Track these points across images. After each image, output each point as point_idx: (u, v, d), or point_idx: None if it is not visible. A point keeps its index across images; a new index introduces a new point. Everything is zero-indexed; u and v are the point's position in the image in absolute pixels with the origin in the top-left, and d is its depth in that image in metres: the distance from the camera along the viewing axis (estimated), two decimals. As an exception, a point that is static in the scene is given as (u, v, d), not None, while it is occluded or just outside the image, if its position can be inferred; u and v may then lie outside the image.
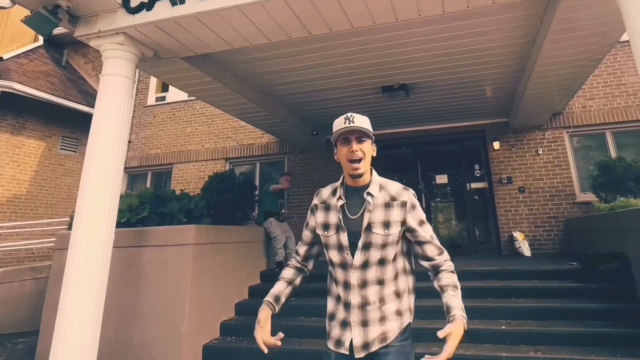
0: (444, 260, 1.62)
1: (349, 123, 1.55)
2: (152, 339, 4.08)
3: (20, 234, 7.72)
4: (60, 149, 8.87)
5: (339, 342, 1.55)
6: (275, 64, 5.18)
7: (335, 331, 1.59)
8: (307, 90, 6.02)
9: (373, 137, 1.63)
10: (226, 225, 5.78)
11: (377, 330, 1.51)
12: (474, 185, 7.52)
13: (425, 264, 1.65)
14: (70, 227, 5.64)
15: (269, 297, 1.65)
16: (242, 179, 6.55)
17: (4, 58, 8.31)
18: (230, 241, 5.12)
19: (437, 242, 1.63)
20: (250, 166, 8.88)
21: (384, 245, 1.54)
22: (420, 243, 1.61)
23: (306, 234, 1.76)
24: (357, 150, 1.55)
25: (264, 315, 1.60)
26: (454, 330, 1.38)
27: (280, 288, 1.69)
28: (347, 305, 1.56)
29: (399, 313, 1.55)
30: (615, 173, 5.62)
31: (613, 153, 6.84)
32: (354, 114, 1.57)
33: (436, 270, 1.62)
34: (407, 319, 1.58)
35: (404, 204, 1.58)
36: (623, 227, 4.40)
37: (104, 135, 3.55)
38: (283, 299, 1.69)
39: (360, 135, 1.57)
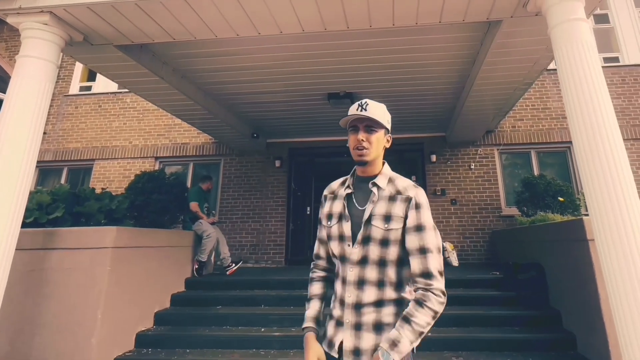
0: (421, 287, 1.37)
1: (361, 110, 1.47)
2: (55, 352, 3.75)
3: None
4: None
5: (331, 343, 1.46)
6: (218, 62, 5.10)
7: (330, 330, 1.49)
8: (251, 91, 5.98)
9: (388, 127, 1.55)
10: (152, 228, 5.52)
11: (371, 338, 1.38)
12: (410, 195, 7.88)
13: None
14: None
15: (309, 323, 1.53)
16: (173, 179, 6.30)
17: None
18: (154, 245, 4.89)
19: (430, 261, 1.38)
20: (183, 167, 8.57)
21: (383, 242, 1.41)
22: (409, 253, 1.42)
23: (321, 232, 1.62)
24: (363, 140, 1.47)
25: (311, 338, 1.48)
26: None
27: (316, 308, 1.56)
28: (342, 303, 1.45)
29: (394, 319, 1.40)
30: (536, 189, 6.20)
31: (536, 171, 7.55)
32: (368, 101, 1.50)
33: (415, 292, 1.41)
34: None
35: (408, 199, 1.45)
36: (541, 239, 4.86)
37: (15, 123, 3.25)
38: (321, 318, 1.57)
39: (369, 124, 1.49)
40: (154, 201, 5.94)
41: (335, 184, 1.65)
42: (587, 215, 3.60)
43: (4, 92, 8.49)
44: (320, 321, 1.54)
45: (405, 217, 1.43)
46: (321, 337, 1.51)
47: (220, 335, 4.28)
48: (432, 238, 1.41)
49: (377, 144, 1.50)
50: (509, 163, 7.94)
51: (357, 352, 1.38)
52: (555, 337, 3.95)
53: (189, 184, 7.93)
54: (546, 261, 4.64)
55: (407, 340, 1.28)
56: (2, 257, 3.05)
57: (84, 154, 8.70)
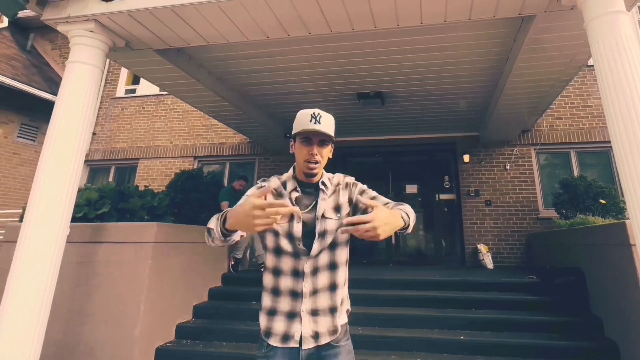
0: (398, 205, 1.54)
1: (315, 123, 1.51)
2: (102, 341, 3.92)
3: (-34, 225, 7.30)
4: (18, 136, 8.49)
5: (286, 337, 1.49)
6: (251, 64, 5.15)
7: (279, 326, 1.52)
8: (282, 92, 6.01)
9: (334, 141, 1.60)
10: (190, 225, 5.67)
11: (327, 322, 1.51)
12: (442, 196, 7.69)
13: None
14: (22, 219, 5.39)
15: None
16: (210, 178, 6.45)
17: (-38, 38, 7.92)
18: (192, 241, 5.01)
19: (383, 199, 1.60)
20: (219, 166, 8.76)
21: (337, 230, 1.55)
22: (366, 205, 1.45)
23: None
24: (316, 154, 1.53)
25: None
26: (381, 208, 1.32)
27: None
28: (294, 295, 1.51)
29: (342, 303, 1.57)
30: (576, 191, 5.88)
31: (576, 172, 7.17)
32: (321, 113, 1.54)
33: None
34: (345, 316, 1.62)
35: (346, 185, 1.64)
36: (580, 243, 4.60)
37: (65, 124, 3.41)
38: None
39: (323, 139, 1.55)
40: (192, 199, 6.10)
41: (275, 183, 1.64)
42: (631, 219, 3.37)
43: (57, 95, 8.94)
44: None
45: (350, 198, 1.60)
46: (265, 334, 1.54)
47: (254, 330, 4.33)
48: (377, 193, 1.63)
49: (326, 157, 1.58)
50: (547, 163, 7.58)
51: (316, 335, 1.48)
52: (596, 346, 3.72)
53: (225, 183, 8.08)
54: (586, 266, 4.39)
55: (407, 213, 1.46)
56: (55, 249, 3.21)
57: (129, 154, 9.07)
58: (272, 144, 8.03)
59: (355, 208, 1.61)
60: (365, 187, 1.65)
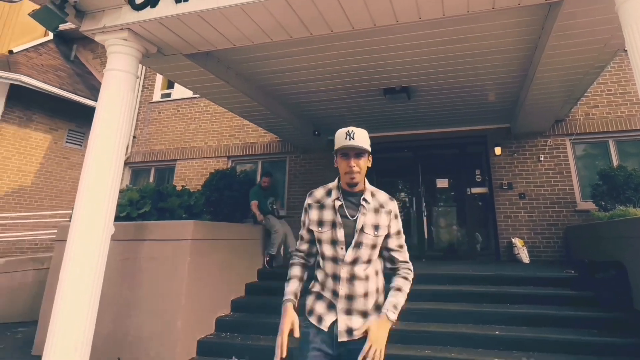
0: (404, 267, 1.81)
1: (350, 139, 1.71)
2: (148, 332, 4.09)
3: (24, 225, 7.78)
4: (66, 142, 8.93)
5: (320, 319, 1.74)
6: (276, 64, 5.19)
7: (319, 308, 1.76)
8: (308, 90, 6.02)
9: (370, 151, 1.78)
10: (225, 222, 5.79)
11: (359, 321, 1.70)
12: (474, 190, 7.49)
13: (389, 266, 1.86)
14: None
15: (290, 296, 1.80)
16: (243, 176, 6.55)
17: (14, 51, 8.39)
18: (228, 238, 5.13)
19: (406, 253, 1.84)
20: (252, 165, 8.90)
21: (373, 246, 1.74)
22: (390, 250, 1.81)
23: (304, 233, 1.90)
24: (354, 166, 1.73)
25: (290, 308, 1.76)
26: (372, 324, 1.66)
27: (295, 286, 1.84)
28: (335, 294, 1.73)
29: (377, 308, 1.74)
30: (615, 182, 5.57)
31: (615, 161, 6.78)
32: (354, 130, 1.73)
33: (394, 273, 1.83)
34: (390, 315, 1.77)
35: (389, 212, 1.80)
36: (621, 236, 4.36)
37: (105, 129, 3.57)
38: (299, 295, 1.86)
39: (358, 152, 1.74)
40: (227, 197, 6.23)
41: (318, 194, 1.87)
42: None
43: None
44: (298, 296, 1.82)
45: (389, 225, 1.79)
46: (305, 311, 1.81)
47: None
48: (404, 238, 1.85)
49: (364, 167, 1.77)
50: (584, 154, 7.21)
51: (350, 331, 1.69)
52: (642, 342, 3.53)
53: (257, 181, 8.20)
54: (628, 259, 4.16)
55: (401, 303, 1.71)
56: (101, 246, 3.37)
57: (167, 155, 9.37)
58: (302, 141, 8.06)
59: (387, 232, 1.80)
60: (400, 224, 1.84)
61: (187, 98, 9.63)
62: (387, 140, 7.99)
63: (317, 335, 1.72)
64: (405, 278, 1.77)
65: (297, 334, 1.70)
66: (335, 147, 1.77)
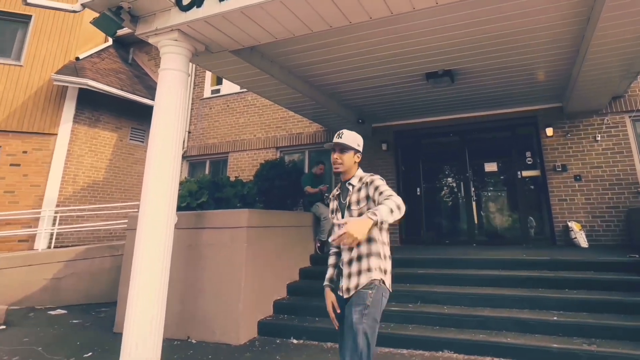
0: (386, 198, 1.96)
1: (338, 138, 2.20)
2: (212, 313, 4.31)
3: (99, 216, 8.43)
4: (130, 139, 9.50)
5: (338, 287, 2.17)
6: (317, 54, 5.16)
7: (341, 280, 2.15)
8: (349, 79, 5.94)
9: (356, 149, 2.21)
10: (278, 210, 5.93)
11: (354, 280, 2.04)
12: (525, 173, 7.09)
13: None
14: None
15: (326, 282, 2.31)
16: (292, 166, 6.65)
17: (80, 58, 8.96)
18: (281, 225, 5.25)
19: (386, 194, 1.97)
20: (299, 154, 8.99)
21: (359, 216, 2.04)
22: (378, 202, 2.01)
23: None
24: (337, 158, 2.21)
25: (328, 291, 2.26)
26: (352, 220, 1.80)
27: (330, 272, 2.33)
28: (343, 264, 2.14)
29: (369, 270, 2.03)
30: (686, 160, 5.05)
31: (684, 138, 6.14)
32: (344, 132, 2.21)
33: None
34: (376, 275, 2.02)
35: (366, 184, 2.12)
36: (694, 219, 3.97)
37: (163, 125, 3.71)
38: (334, 279, 2.31)
39: (341, 147, 2.20)
40: (277, 186, 6.36)
41: (335, 190, 2.35)
42: None
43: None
44: (334, 280, 2.28)
45: (368, 194, 2.09)
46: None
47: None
48: (385, 187, 2.04)
49: (348, 160, 2.19)
50: (647, 131, 6.58)
51: (348, 290, 2.06)
52: None
53: (306, 170, 8.29)
54: None
55: (381, 210, 1.81)
56: (166, 234, 3.55)
57: (220, 148, 9.69)
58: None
59: (372, 200, 2.07)
60: (379, 183, 2.08)
61: (235, 93, 9.86)
62: (431, 125, 7.74)
63: (340, 303, 2.16)
64: (385, 200, 1.92)
65: (338, 310, 2.15)
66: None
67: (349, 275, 2.07)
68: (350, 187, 2.19)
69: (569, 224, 6.27)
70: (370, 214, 1.79)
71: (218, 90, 10.34)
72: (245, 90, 9.42)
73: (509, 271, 4.54)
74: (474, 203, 7.39)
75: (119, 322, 4.71)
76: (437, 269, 4.86)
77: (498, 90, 6.38)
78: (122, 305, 4.70)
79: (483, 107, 7.23)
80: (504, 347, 3.50)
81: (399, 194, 7.45)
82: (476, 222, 7.32)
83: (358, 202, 2.12)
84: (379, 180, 2.10)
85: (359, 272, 2.04)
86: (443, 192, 7.99)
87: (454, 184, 7.87)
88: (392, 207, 1.84)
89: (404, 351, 3.76)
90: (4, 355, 3.99)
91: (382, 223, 1.81)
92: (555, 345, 3.39)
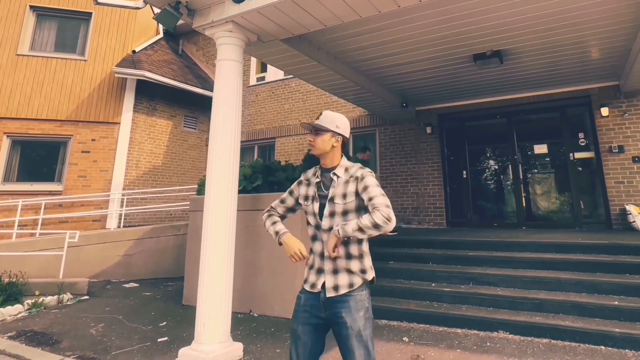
0: (374, 208, 1.77)
1: (316, 119, 1.96)
2: (270, 289, 4.49)
3: (160, 198, 8.90)
4: (184, 126, 9.85)
5: (313, 285, 1.88)
6: (363, 40, 5.07)
7: (312, 277, 1.92)
8: (394, 63, 5.81)
9: (335, 131, 1.91)
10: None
11: (345, 278, 1.81)
12: (578, 155, 6.69)
13: None
14: (198, 193, 6.34)
15: (285, 229, 2.03)
16: (338, 150, 6.64)
17: (136, 51, 9.32)
18: (331, 208, 5.30)
19: (376, 202, 1.75)
20: (343, 139, 8.95)
21: (344, 212, 1.84)
22: (366, 204, 1.81)
23: (289, 199, 2.09)
24: (311, 140, 1.95)
25: (295, 239, 1.98)
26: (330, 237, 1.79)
27: (283, 225, 2.07)
28: (321, 257, 1.88)
29: (363, 271, 1.84)
30: None
31: None
32: (323, 112, 1.96)
33: None
34: (369, 276, 1.86)
35: (356, 179, 1.86)
36: None
37: (222, 114, 3.80)
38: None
39: (316, 129, 1.93)
40: (325, 170, 6.39)
41: (309, 173, 2.04)
42: None
43: (206, 89, 9.96)
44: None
45: (356, 190, 1.84)
46: (303, 281, 1.96)
47: (395, 287, 4.48)
48: (375, 189, 1.80)
49: (322, 143, 1.91)
50: None
51: (336, 287, 1.80)
52: None
53: (350, 153, 8.27)
54: None
55: (351, 226, 1.72)
56: (230, 215, 3.69)
57: (267, 134, 9.86)
58: (391, 114, 7.88)
59: (361, 198, 1.84)
60: (370, 182, 1.83)
61: (280, 80, 9.92)
62: (477, 107, 7.45)
63: (308, 299, 1.88)
64: (369, 213, 1.74)
65: (305, 253, 1.90)
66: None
67: (335, 272, 1.83)
68: (335, 178, 1.91)
69: (627, 207, 5.89)
70: (339, 229, 1.74)
71: (263, 78, 10.44)
72: (289, 77, 9.45)
73: (564, 254, 4.37)
74: (521, 186, 7.10)
75: (187, 296, 5.01)
76: (488, 251, 4.76)
77: (549, 69, 6.01)
78: (189, 280, 5.00)
79: (532, 87, 6.85)
80: (562, 330, 3.41)
81: (444, 177, 7.32)
82: (524, 205, 7.04)
83: (344, 195, 1.86)
84: (370, 178, 1.86)
85: (350, 271, 1.83)
86: (490, 175, 7.73)
87: (502, 167, 7.58)
88: (376, 222, 1.68)
89: (459, 330, 3.76)
90: (90, 322, 4.40)
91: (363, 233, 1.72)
92: (617, 330, 3.26)
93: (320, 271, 1.87)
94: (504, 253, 4.62)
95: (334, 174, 1.91)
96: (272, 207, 2.14)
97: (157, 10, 4.59)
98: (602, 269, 4.07)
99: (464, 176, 7.59)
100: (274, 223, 2.06)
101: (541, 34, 4.80)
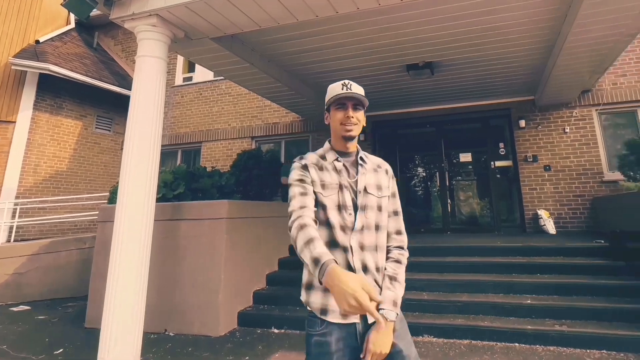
0: (396, 245, 1.54)
1: (347, 89, 1.49)
2: (191, 305, 4.26)
3: (63, 208, 8.06)
4: (96, 128, 9.10)
5: (324, 311, 1.38)
6: (300, 44, 5.13)
7: (317, 298, 1.42)
8: (331, 69, 5.96)
9: (366, 107, 1.55)
10: (255, 200, 5.89)
11: (388, 294, 1.41)
12: (498, 163, 7.38)
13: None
14: (110, 202, 5.86)
15: (330, 256, 1.23)
16: (269, 156, 6.61)
17: (40, 41, 8.47)
18: (260, 216, 5.22)
19: (400, 221, 1.58)
20: (275, 144, 8.92)
21: (379, 207, 1.49)
22: (388, 234, 1.55)
23: (309, 188, 1.47)
24: (352, 117, 1.49)
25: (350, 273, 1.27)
26: (372, 333, 1.33)
27: (324, 247, 1.33)
28: (349, 269, 1.39)
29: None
30: (645, 151, 5.41)
31: (644, 131, 6.56)
32: (351, 82, 1.52)
33: (387, 249, 1.54)
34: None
35: (387, 172, 1.60)
36: (654, 206, 4.28)
37: (142, 114, 3.61)
38: None
39: (357, 102, 1.51)
40: (255, 176, 6.31)
41: (313, 157, 1.56)
42: None
43: (124, 88, 9.37)
44: None
45: (389, 186, 1.57)
46: (321, 312, 1.39)
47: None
48: (399, 203, 1.61)
49: (362, 121, 1.54)
50: (611, 124, 6.99)
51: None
52: (676, 309, 3.51)
53: (282, 160, 8.24)
54: (662, 228, 4.09)
55: (400, 295, 1.42)
56: (146, 226, 3.48)
57: (192, 137, 9.47)
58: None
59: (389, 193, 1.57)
60: (396, 188, 1.61)
61: (209, 81, 9.64)
62: (409, 116, 7.88)
63: (340, 339, 1.36)
64: (399, 261, 1.50)
65: (378, 297, 1.12)
66: (328, 100, 1.54)
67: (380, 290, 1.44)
68: (362, 163, 1.54)
69: (539, 211, 6.60)
70: (391, 313, 1.36)
71: (190, 78, 10.07)
72: (219, 78, 9.23)
73: (485, 258, 4.73)
74: (448, 192, 7.63)
75: (91, 317, 4.56)
76: (415, 257, 4.98)
77: (475, 82, 6.58)
78: (94, 299, 4.56)
79: (460, 99, 7.44)
80: (482, 330, 3.67)
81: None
82: (449, 210, 7.56)
83: (379, 187, 1.52)
84: (394, 178, 1.63)
85: (378, 286, 1.46)
86: (419, 182, 8.20)
87: (429, 174, 8.09)
88: (403, 279, 1.48)
89: (386, 337, 3.86)
90: (-36, 356, 3.80)
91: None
92: (529, 327, 3.59)
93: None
94: (430, 258, 4.88)
95: (361, 157, 1.55)
96: (299, 211, 1.41)
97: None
98: (518, 270, 4.48)
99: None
100: (312, 241, 1.27)
101: (469, 48, 5.24)
